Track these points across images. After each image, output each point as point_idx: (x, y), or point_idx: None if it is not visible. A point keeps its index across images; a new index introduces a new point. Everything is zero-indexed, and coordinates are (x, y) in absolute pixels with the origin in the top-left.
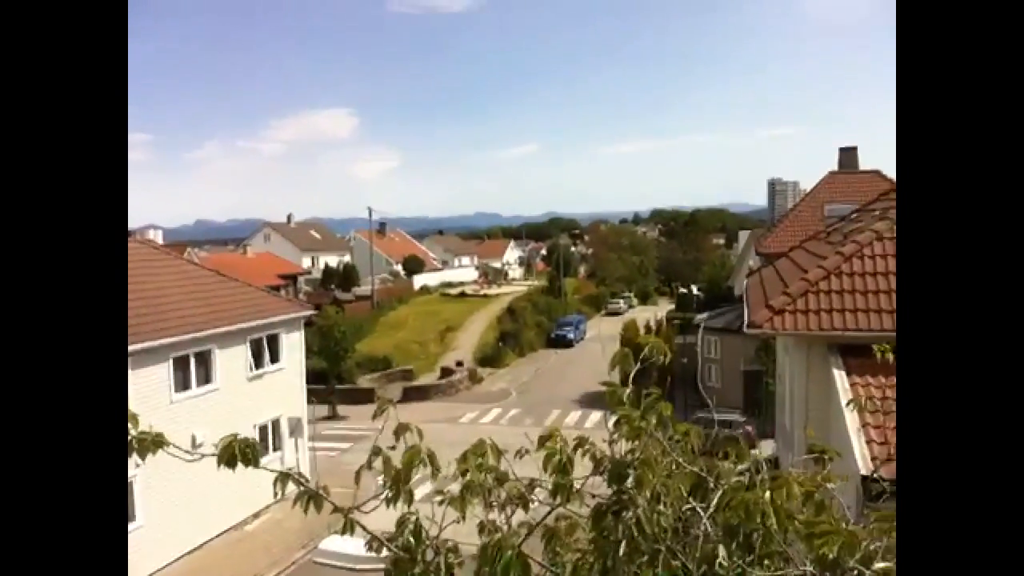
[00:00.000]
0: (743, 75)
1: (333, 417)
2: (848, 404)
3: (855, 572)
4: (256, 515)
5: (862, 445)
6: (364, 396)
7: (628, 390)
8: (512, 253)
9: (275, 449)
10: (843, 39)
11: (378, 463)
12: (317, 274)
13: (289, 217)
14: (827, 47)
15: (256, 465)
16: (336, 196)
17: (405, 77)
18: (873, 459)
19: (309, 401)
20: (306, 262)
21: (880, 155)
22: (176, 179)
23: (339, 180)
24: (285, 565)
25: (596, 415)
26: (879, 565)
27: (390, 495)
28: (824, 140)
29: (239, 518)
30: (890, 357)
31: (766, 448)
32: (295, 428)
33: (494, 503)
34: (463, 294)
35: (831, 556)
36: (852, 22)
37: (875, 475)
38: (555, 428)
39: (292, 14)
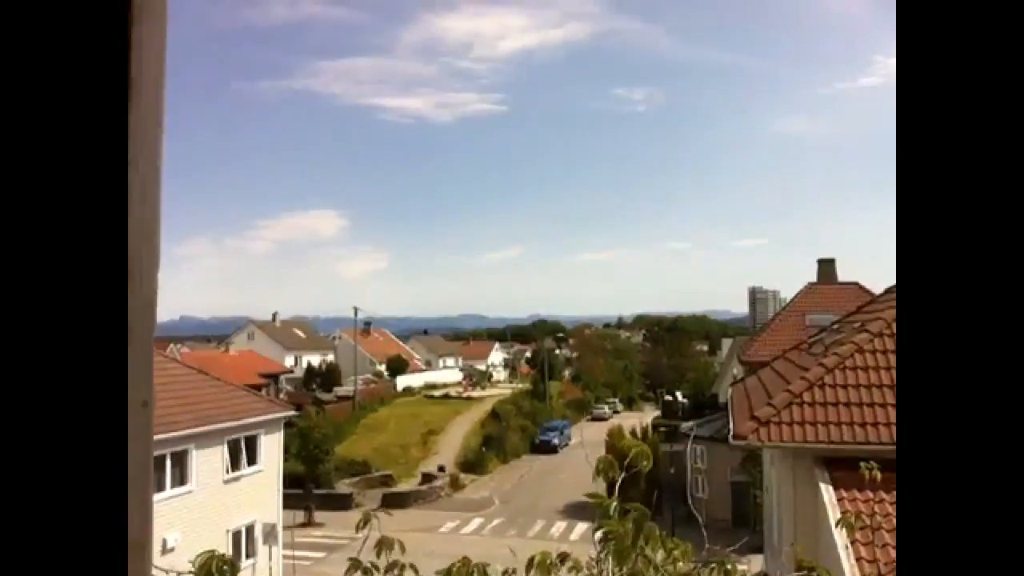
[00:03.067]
0: (718, 188)
1: (309, 524)
2: (837, 524)
3: None
4: None
5: (852, 564)
6: (342, 502)
7: (615, 502)
8: (497, 355)
9: (248, 556)
10: (814, 156)
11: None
12: (300, 373)
13: (274, 315)
14: (797, 163)
15: None
16: (322, 295)
17: (393, 182)
18: None
19: (285, 506)
20: (289, 360)
21: (851, 267)
22: (162, 274)
23: (326, 279)
24: None
25: (582, 526)
26: None
27: None
28: (793, 252)
29: None
30: (877, 475)
31: (756, 563)
32: (269, 534)
33: None
34: (447, 396)
35: None
36: (820, 139)
37: None
38: (545, 553)
39: (283, 121)
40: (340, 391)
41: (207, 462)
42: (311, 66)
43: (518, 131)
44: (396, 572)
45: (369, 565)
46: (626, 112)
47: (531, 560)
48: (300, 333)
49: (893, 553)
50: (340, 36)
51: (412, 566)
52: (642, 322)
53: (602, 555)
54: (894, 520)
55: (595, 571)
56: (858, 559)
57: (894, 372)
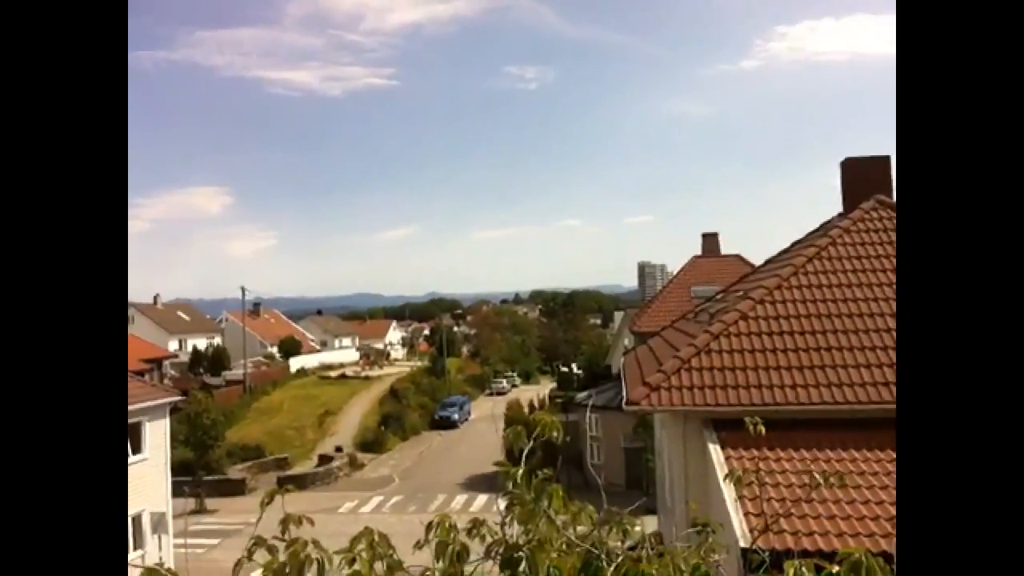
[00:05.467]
0: (608, 167)
1: (201, 511)
2: (725, 479)
3: None
4: None
5: (740, 517)
6: (235, 487)
7: (521, 470)
8: (394, 334)
9: (136, 548)
10: (698, 135)
11: (259, 556)
12: (185, 358)
13: (156, 298)
14: (683, 141)
15: None
16: (208, 276)
17: (282, 158)
18: (751, 530)
19: (175, 494)
20: (173, 345)
21: (733, 240)
22: None
23: (211, 260)
24: None
25: (482, 498)
26: None
27: None
28: (679, 227)
29: None
30: (762, 430)
31: (650, 524)
32: (159, 524)
33: None
34: (343, 376)
35: None
36: (704, 119)
37: (754, 547)
38: (444, 515)
39: (160, 93)
40: (229, 375)
41: None
42: (191, 36)
43: (410, 107)
44: (298, 548)
45: (272, 542)
46: (518, 90)
47: (430, 524)
48: (184, 316)
49: (778, 506)
50: (222, 5)
51: (315, 541)
52: (538, 298)
53: (507, 519)
54: (778, 476)
55: (500, 535)
56: (746, 514)
57: (776, 337)
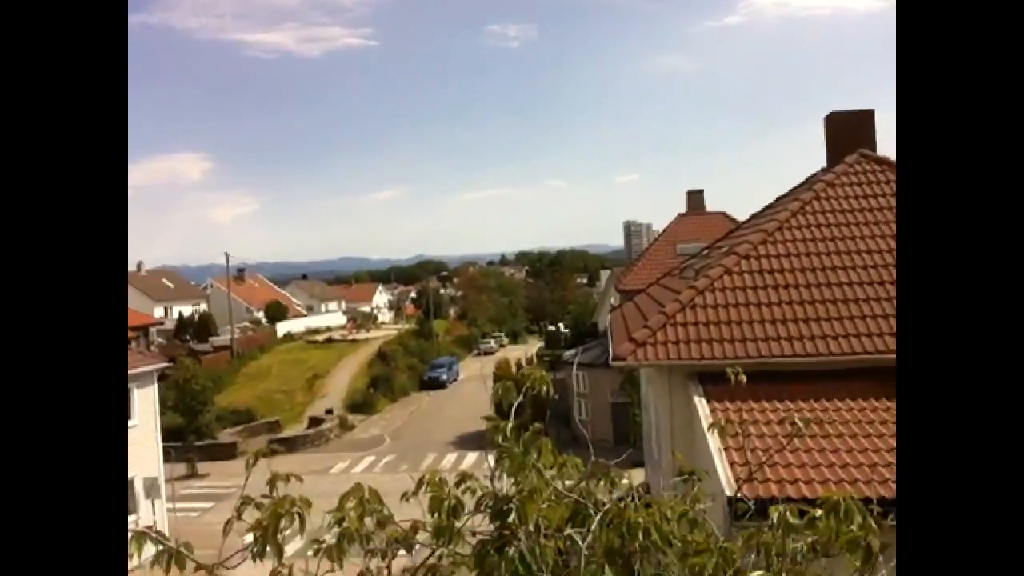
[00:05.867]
0: (594, 126)
1: (192, 475)
2: (709, 428)
3: None
4: None
5: (725, 466)
6: (225, 451)
7: (510, 424)
8: (381, 297)
9: (129, 512)
10: (683, 93)
11: (248, 515)
12: (170, 325)
13: (139, 265)
14: (668, 99)
15: None
16: (191, 243)
17: (260, 122)
18: (736, 480)
19: (165, 459)
20: (159, 312)
21: (718, 197)
22: None
23: (193, 226)
24: None
25: (472, 456)
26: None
27: (257, 549)
28: (665, 185)
29: None
30: (743, 379)
31: (637, 477)
32: (151, 489)
33: (374, 549)
34: (330, 340)
35: (708, 573)
36: (689, 76)
37: (739, 495)
38: (434, 471)
39: (137, 58)
40: (216, 341)
41: None
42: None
43: (392, 67)
44: (279, 504)
45: (261, 500)
46: (501, 48)
47: (420, 480)
48: (168, 283)
49: (762, 455)
50: None
51: (304, 499)
52: (524, 259)
53: (496, 472)
54: (763, 426)
55: (489, 489)
56: (731, 463)
57: (761, 291)
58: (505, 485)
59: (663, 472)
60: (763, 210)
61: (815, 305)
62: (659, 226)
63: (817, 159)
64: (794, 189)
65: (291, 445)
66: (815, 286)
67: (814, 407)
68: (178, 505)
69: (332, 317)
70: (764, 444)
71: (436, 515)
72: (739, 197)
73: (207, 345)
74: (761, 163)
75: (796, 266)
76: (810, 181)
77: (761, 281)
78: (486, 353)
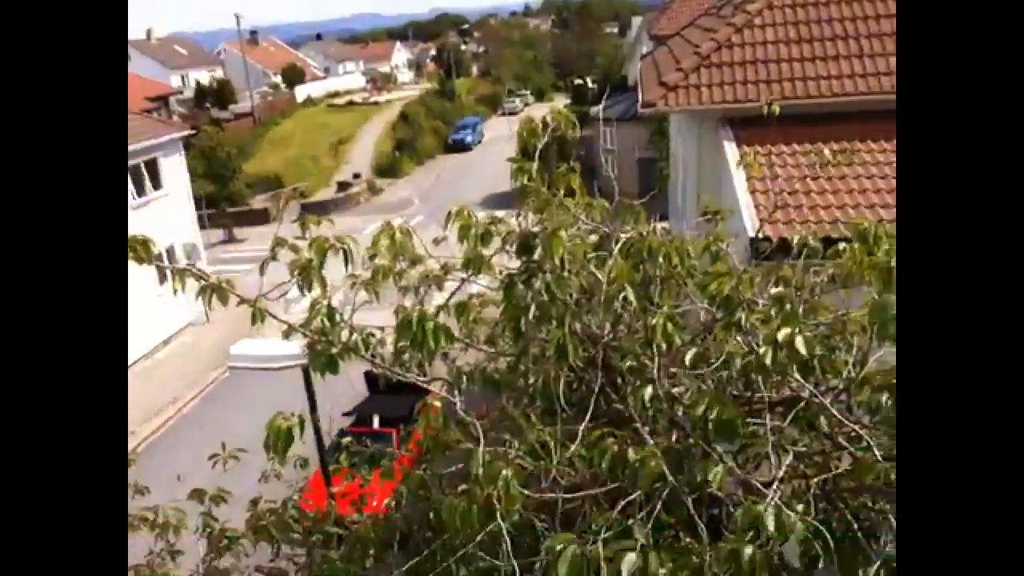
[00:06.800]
0: None
1: (231, 240)
2: (738, 164)
3: (744, 305)
4: (166, 342)
5: (750, 207)
6: (259, 217)
7: (535, 164)
8: (399, 56)
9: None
10: None
11: (284, 256)
12: (189, 93)
13: (148, 32)
14: None
15: (150, 262)
16: (197, 6)
17: None
18: (760, 220)
19: (202, 226)
20: (175, 81)
21: None
22: None
23: None
24: (204, 384)
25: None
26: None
27: (303, 282)
28: None
29: (147, 348)
30: (776, 110)
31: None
32: (191, 253)
33: (407, 287)
34: (351, 103)
35: (725, 293)
36: None
37: (761, 234)
38: (463, 205)
39: None
40: (237, 108)
41: None
42: None
43: None
44: (321, 241)
45: (294, 241)
46: None
47: (449, 213)
48: (181, 50)
49: (789, 198)
50: None
51: (350, 236)
52: (550, 8)
53: (522, 211)
54: (791, 168)
55: (516, 225)
56: (757, 206)
57: (803, 26)
58: (531, 222)
59: (687, 218)
60: None
61: (859, 40)
62: None
63: None
64: None
65: (321, 209)
66: (861, 19)
67: (848, 148)
68: (220, 268)
69: (351, 79)
70: (791, 186)
71: (464, 243)
72: None
73: (228, 112)
74: None
75: None
76: None
77: (804, 16)
78: (511, 113)
